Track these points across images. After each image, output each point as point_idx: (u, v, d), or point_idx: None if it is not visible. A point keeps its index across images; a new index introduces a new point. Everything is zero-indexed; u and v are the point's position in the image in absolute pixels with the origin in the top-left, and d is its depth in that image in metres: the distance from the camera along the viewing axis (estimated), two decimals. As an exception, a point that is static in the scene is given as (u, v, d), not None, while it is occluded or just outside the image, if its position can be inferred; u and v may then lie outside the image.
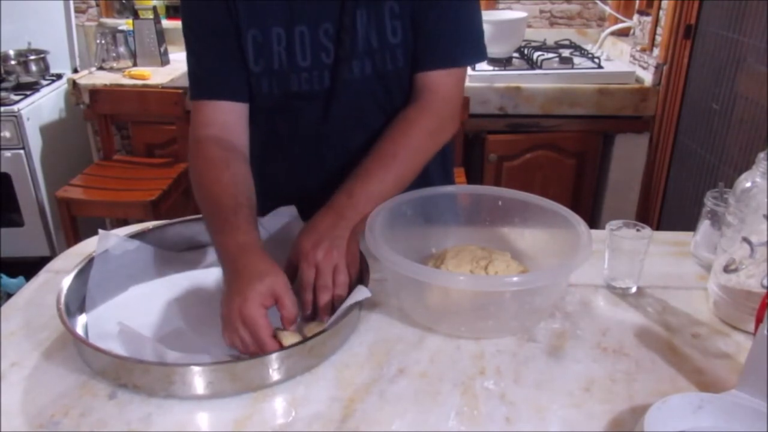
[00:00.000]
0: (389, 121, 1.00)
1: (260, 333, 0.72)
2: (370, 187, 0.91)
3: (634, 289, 0.92)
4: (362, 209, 0.88)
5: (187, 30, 1.00)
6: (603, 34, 2.74)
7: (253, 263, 0.78)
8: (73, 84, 2.44)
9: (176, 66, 2.67)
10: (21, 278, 2.41)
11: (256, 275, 0.76)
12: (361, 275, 0.88)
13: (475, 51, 1.02)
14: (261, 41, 0.96)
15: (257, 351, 0.73)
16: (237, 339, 0.74)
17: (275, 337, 0.74)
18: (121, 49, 2.64)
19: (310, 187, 1.06)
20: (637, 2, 2.61)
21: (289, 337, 0.74)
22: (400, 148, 0.95)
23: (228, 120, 0.98)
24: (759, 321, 0.73)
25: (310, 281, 0.82)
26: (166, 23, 2.78)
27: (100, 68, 2.64)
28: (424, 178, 1.00)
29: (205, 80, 0.99)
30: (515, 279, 0.77)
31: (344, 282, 0.83)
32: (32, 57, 2.72)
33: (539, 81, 2.33)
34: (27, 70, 2.69)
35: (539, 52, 2.51)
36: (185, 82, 2.37)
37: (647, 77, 2.35)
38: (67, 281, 0.83)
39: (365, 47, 0.97)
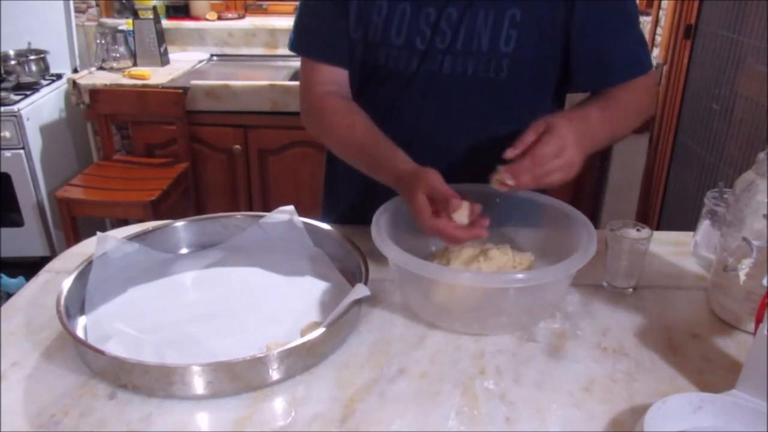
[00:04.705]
0: (461, 125, 1.00)
1: (424, 213, 0.81)
2: (609, 124, 0.92)
3: (633, 290, 0.93)
4: (603, 137, 0.91)
5: None
6: (603, 34, 2.73)
7: (411, 170, 0.87)
8: (73, 84, 2.44)
9: (176, 66, 2.66)
10: (21, 278, 2.41)
11: (416, 175, 0.85)
12: (360, 273, 0.88)
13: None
14: (363, 9, 0.97)
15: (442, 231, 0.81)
16: (429, 229, 0.81)
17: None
18: (121, 49, 2.64)
19: None
20: (637, 2, 2.61)
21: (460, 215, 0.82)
22: (630, 108, 0.97)
23: (343, 81, 1.04)
24: (759, 321, 0.72)
25: (545, 157, 0.79)
26: (166, 23, 2.78)
27: (100, 68, 2.64)
28: None
29: (324, 43, 1.02)
30: (520, 276, 0.77)
31: (550, 181, 0.82)
32: (32, 57, 2.71)
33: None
34: (27, 70, 2.68)
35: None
36: (185, 82, 2.39)
37: (647, 77, 2.35)
38: (67, 283, 0.83)
39: (471, 47, 0.94)
